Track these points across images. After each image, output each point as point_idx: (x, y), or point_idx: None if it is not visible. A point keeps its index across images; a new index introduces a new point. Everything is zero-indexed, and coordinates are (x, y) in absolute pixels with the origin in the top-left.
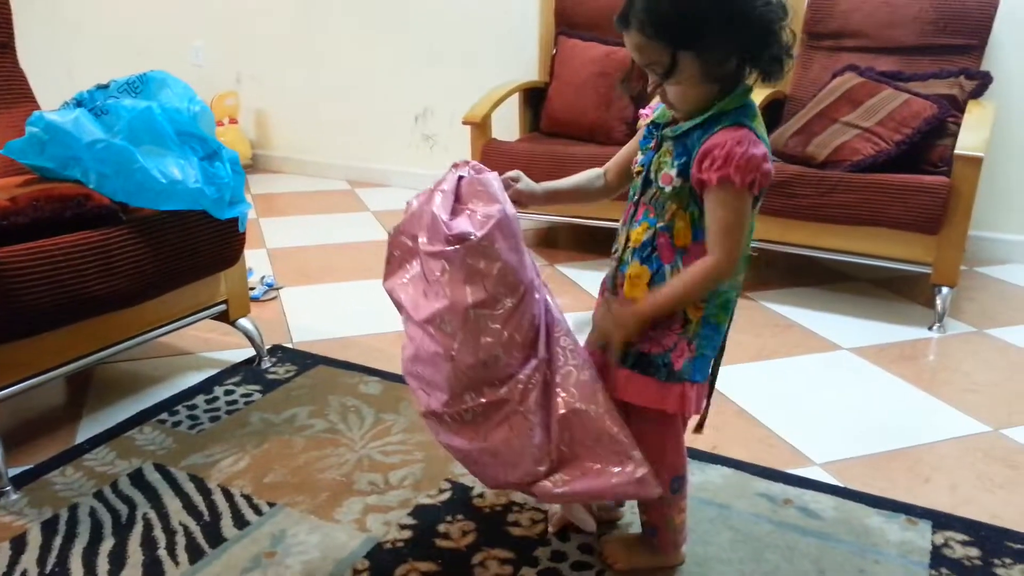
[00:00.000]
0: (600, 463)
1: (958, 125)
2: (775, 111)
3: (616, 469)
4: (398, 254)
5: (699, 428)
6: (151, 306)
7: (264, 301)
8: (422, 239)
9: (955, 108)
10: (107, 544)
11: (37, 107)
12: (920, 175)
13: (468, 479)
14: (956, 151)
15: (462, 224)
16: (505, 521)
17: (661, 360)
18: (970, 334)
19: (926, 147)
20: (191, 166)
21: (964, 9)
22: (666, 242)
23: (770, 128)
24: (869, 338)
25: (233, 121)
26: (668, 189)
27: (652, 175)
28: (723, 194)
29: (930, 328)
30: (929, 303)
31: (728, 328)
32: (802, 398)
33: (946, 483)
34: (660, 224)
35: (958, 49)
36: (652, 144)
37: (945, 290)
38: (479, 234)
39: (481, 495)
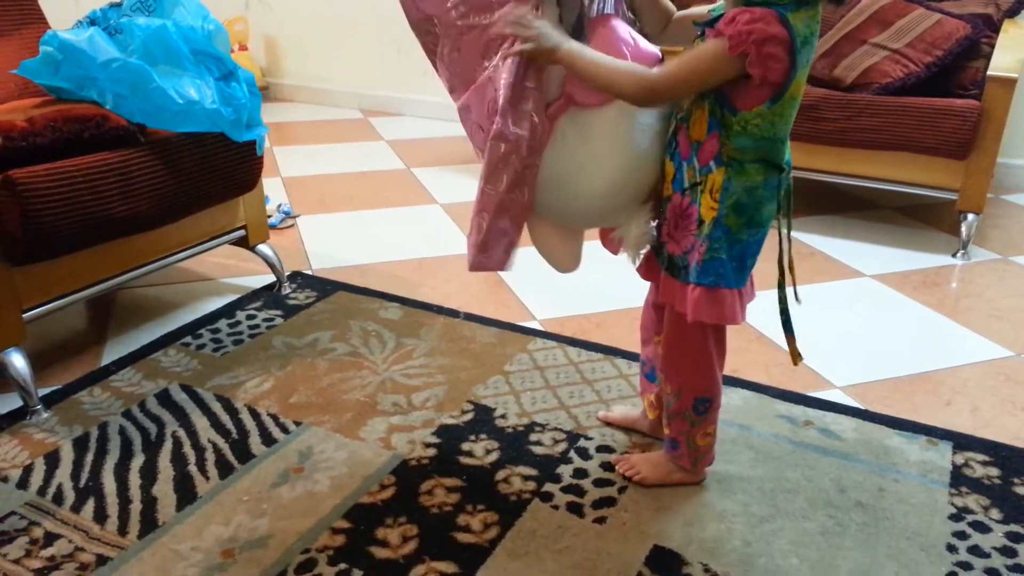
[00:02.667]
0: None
1: (992, 46)
2: None
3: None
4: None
5: (796, 357)
6: (171, 230)
7: (281, 229)
8: None
9: (989, 28)
10: (138, 460)
11: (48, 28)
12: (950, 98)
13: (490, 401)
14: (989, 72)
15: None
16: (528, 440)
17: (681, 262)
18: (995, 261)
19: (957, 69)
20: (207, 86)
21: None
22: (684, 135)
23: None
24: (892, 265)
25: (243, 48)
26: None
27: None
28: (707, 44)
29: (954, 255)
30: (953, 231)
31: (758, 244)
32: (824, 324)
33: (967, 406)
34: (680, 114)
35: None
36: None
37: (971, 217)
38: None
39: (504, 416)
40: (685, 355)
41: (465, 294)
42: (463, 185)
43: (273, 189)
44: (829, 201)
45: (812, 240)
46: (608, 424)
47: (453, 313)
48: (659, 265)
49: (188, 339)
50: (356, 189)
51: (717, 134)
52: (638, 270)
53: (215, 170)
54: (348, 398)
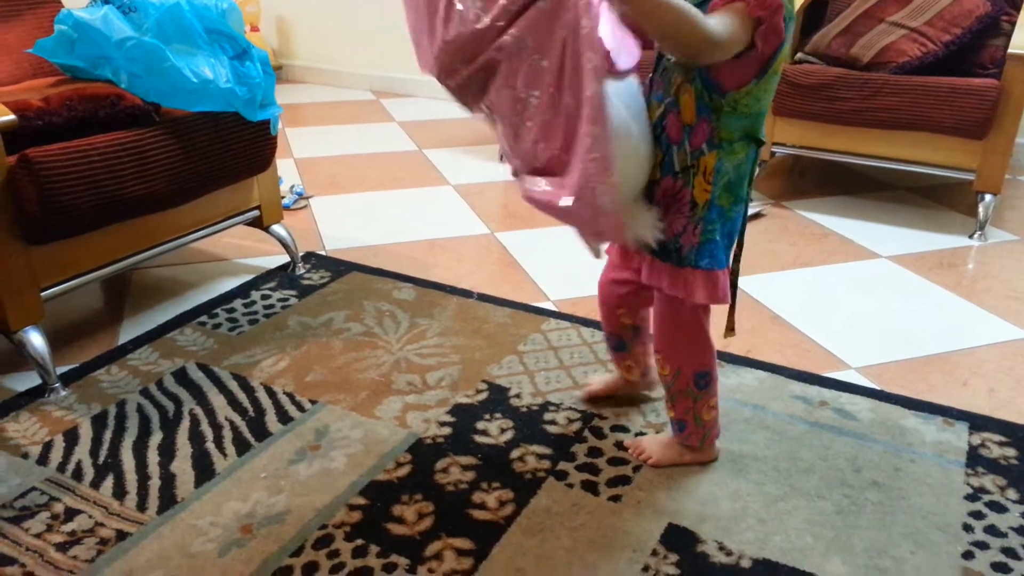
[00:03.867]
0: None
1: (1012, 23)
2: (818, 11)
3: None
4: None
5: (729, 331)
6: (186, 210)
7: (295, 210)
8: None
9: (1010, 5)
10: (156, 438)
11: (63, 7)
12: (969, 78)
13: (504, 381)
14: (1009, 51)
15: None
16: (542, 420)
17: (673, 244)
18: (1012, 242)
19: (977, 48)
20: (222, 65)
21: None
22: (674, 120)
23: (813, 29)
24: (908, 246)
25: (255, 29)
26: (672, 57)
27: None
28: (733, 9)
29: (971, 236)
30: (970, 212)
31: (741, 220)
32: (839, 305)
33: (984, 387)
34: (668, 99)
35: None
36: None
37: (988, 197)
38: None
39: (518, 395)
40: (683, 336)
41: (478, 275)
42: (475, 166)
43: (286, 170)
44: (844, 182)
45: (827, 221)
46: (592, 399)
47: (467, 293)
48: (638, 249)
49: (204, 318)
50: (368, 170)
51: (707, 118)
52: (610, 252)
53: (229, 149)
54: (363, 377)
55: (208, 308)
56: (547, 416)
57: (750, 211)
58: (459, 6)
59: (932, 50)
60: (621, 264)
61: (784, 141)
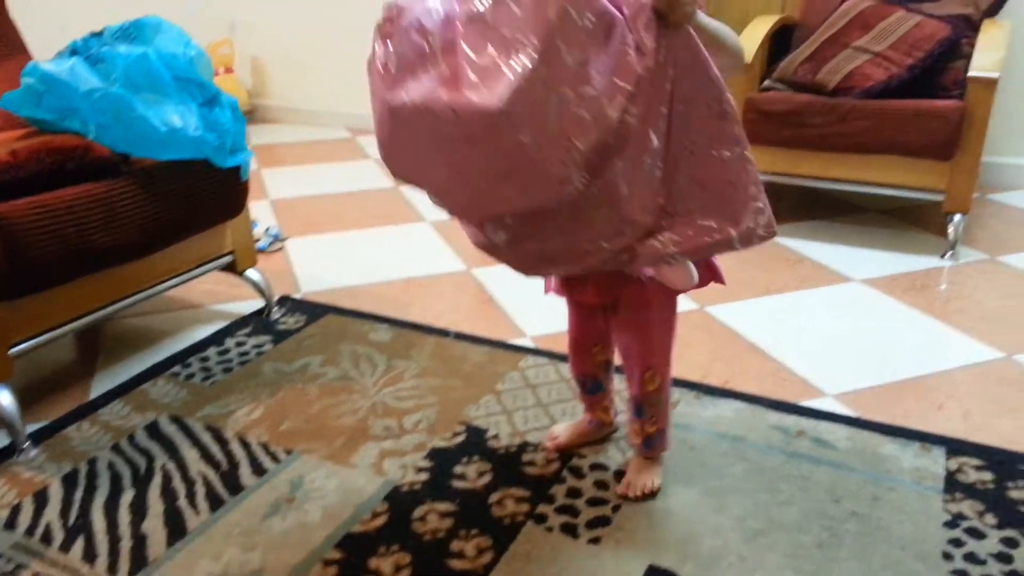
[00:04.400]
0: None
1: (972, 46)
2: (784, 38)
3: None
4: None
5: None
6: (158, 259)
7: (270, 252)
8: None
9: (969, 28)
10: (127, 496)
11: (31, 59)
12: (933, 99)
13: (482, 422)
14: (970, 73)
15: None
16: (520, 461)
17: None
18: (983, 262)
19: (939, 70)
20: (191, 113)
21: None
22: None
23: (779, 56)
24: (881, 269)
25: (228, 70)
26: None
27: None
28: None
29: (942, 256)
30: (941, 232)
31: None
32: (813, 331)
33: (959, 410)
34: None
35: None
36: None
37: (958, 217)
38: None
39: (496, 436)
40: (661, 335)
41: (455, 313)
42: None
43: (261, 212)
44: (814, 207)
45: (800, 246)
46: (560, 450)
47: (444, 333)
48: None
49: (177, 369)
50: (344, 209)
51: None
52: (551, 290)
53: (200, 197)
54: (339, 423)
55: (181, 358)
56: (525, 457)
57: None
58: (585, 114)
59: (896, 73)
60: (593, 294)
61: None
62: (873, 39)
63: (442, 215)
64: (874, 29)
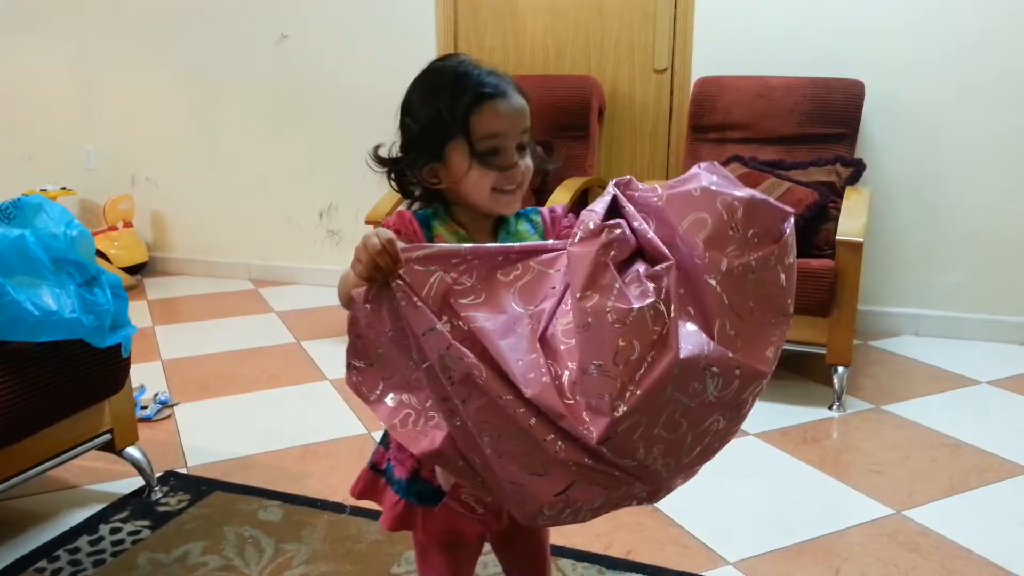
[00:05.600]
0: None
1: (838, 210)
2: None
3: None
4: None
5: None
6: (29, 442)
7: (157, 421)
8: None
9: (834, 194)
10: None
11: None
12: (808, 259)
13: None
14: (838, 237)
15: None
16: None
17: None
18: (869, 411)
19: (812, 231)
20: (67, 295)
21: (833, 100)
22: None
23: None
24: (772, 422)
25: (128, 225)
26: None
27: None
28: None
29: (830, 407)
30: (827, 380)
31: None
32: (713, 490)
33: (856, 573)
34: None
35: (832, 138)
36: None
37: (841, 369)
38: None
39: None
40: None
41: (351, 483)
42: None
43: (152, 374)
44: None
45: None
46: None
47: (339, 508)
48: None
49: (43, 563)
50: (242, 369)
51: None
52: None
53: (76, 378)
54: None
55: (49, 550)
56: None
57: None
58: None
59: None
60: (490, 521)
61: None
62: None
63: (342, 371)
64: None
